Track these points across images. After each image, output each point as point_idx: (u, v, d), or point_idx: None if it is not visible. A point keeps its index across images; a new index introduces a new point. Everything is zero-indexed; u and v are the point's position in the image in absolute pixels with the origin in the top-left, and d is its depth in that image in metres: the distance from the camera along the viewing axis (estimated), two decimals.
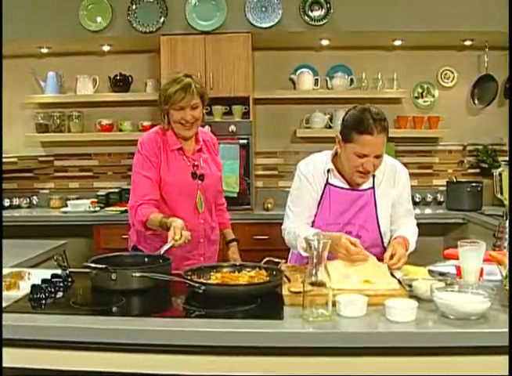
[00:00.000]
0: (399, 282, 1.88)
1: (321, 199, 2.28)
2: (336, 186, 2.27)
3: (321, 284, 1.62)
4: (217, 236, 2.65)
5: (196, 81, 2.42)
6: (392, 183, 2.30)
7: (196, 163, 2.49)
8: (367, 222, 2.25)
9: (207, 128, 3.97)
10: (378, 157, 2.14)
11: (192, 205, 2.47)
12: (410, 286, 1.83)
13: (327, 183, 2.28)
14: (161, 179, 2.42)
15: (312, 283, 1.62)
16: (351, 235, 2.18)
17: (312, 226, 2.27)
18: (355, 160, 2.15)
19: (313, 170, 2.30)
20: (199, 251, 2.50)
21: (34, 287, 1.83)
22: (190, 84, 2.37)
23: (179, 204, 2.45)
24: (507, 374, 1.44)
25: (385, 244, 2.28)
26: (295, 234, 2.23)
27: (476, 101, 4.45)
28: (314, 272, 1.63)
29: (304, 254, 2.19)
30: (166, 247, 2.10)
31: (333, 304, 1.63)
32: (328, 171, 2.28)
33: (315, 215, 2.29)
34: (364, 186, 2.27)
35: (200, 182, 2.48)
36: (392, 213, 2.31)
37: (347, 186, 2.27)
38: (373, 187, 2.27)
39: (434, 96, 4.51)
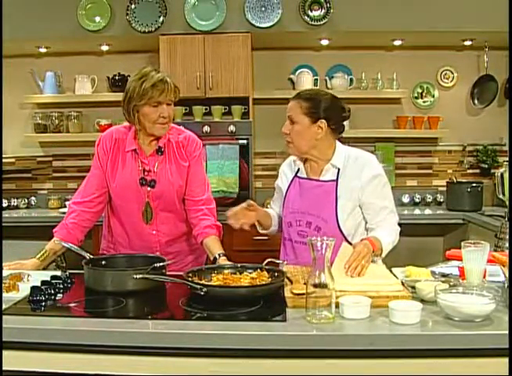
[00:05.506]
0: (402, 283, 1.86)
1: (287, 189, 2.39)
2: (300, 177, 2.37)
3: (324, 286, 1.60)
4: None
5: (167, 76, 2.29)
6: (357, 177, 2.24)
7: (147, 168, 2.30)
8: (326, 214, 2.24)
9: (206, 128, 3.98)
10: (292, 122, 2.39)
11: (140, 214, 2.32)
12: (413, 287, 1.82)
13: (296, 176, 2.39)
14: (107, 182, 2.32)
15: (315, 285, 1.60)
16: (310, 226, 2.26)
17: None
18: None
19: (286, 164, 2.50)
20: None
21: (33, 288, 1.81)
22: (165, 78, 2.26)
23: (124, 211, 2.34)
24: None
25: (347, 237, 2.22)
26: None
27: (476, 101, 4.44)
28: (317, 273, 1.61)
29: (262, 231, 2.43)
30: None
31: (337, 305, 1.62)
32: (294, 162, 2.41)
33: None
34: (327, 178, 2.29)
35: (149, 188, 2.30)
36: (365, 210, 2.27)
37: (309, 176, 2.35)
38: (337, 179, 2.27)
39: (433, 96, 4.50)
